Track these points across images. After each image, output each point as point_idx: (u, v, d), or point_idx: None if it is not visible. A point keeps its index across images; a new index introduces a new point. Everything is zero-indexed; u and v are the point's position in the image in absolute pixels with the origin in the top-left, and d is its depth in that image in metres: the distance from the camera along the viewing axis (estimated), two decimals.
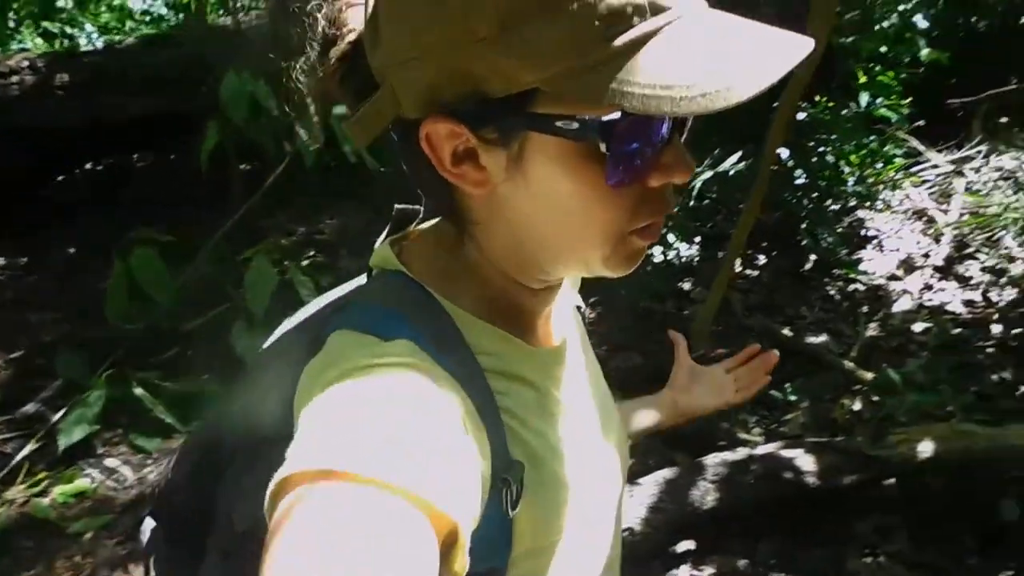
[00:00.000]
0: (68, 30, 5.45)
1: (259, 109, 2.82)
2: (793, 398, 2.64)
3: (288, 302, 2.26)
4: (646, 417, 0.97)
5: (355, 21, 0.58)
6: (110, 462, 2.56)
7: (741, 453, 2.22)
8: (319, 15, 0.59)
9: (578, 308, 0.78)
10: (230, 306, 2.79)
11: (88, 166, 4.67)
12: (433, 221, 0.66)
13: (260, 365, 0.67)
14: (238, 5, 4.15)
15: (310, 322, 0.65)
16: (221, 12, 4.88)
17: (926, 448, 2.13)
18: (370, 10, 0.55)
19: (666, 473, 2.17)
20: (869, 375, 2.68)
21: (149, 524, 0.70)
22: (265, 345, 0.69)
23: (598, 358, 0.78)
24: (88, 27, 5.65)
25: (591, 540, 0.66)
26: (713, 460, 2.18)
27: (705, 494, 2.09)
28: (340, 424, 0.45)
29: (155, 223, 2.99)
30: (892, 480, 2.16)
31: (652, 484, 2.12)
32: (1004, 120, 4.08)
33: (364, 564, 0.38)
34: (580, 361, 0.72)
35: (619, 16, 0.48)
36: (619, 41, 0.48)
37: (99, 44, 5.24)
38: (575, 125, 0.50)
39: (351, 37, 0.58)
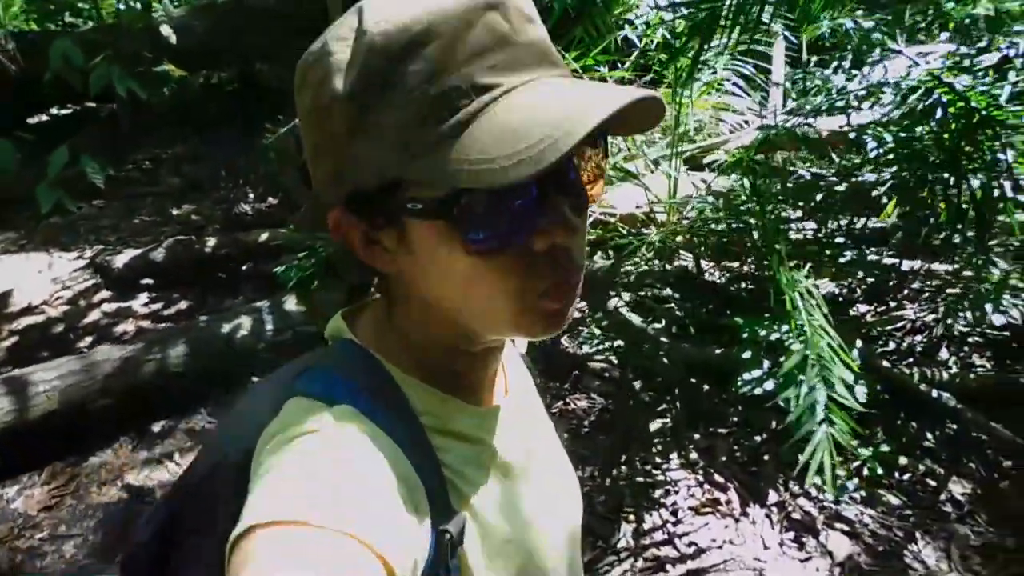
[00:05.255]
0: None
1: None
2: None
3: None
4: None
5: None
6: None
7: None
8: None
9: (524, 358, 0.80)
10: None
11: None
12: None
13: (227, 425, 0.69)
14: None
15: (276, 386, 0.65)
16: None
17: None
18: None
19: None
20: None
21: None
22: (238, 405, 0.70)
23: None
24: None
25: None
26: None
27: None
28: (289, 482, 0.50)
29: None
30: None
31: None
32: None
33: None
34: (527, 418, 0.73)
35: (443, 102, 0.52)
36: (447, 124, 0.51)
37: None
38: (420, 207, 0.54)
39: None
